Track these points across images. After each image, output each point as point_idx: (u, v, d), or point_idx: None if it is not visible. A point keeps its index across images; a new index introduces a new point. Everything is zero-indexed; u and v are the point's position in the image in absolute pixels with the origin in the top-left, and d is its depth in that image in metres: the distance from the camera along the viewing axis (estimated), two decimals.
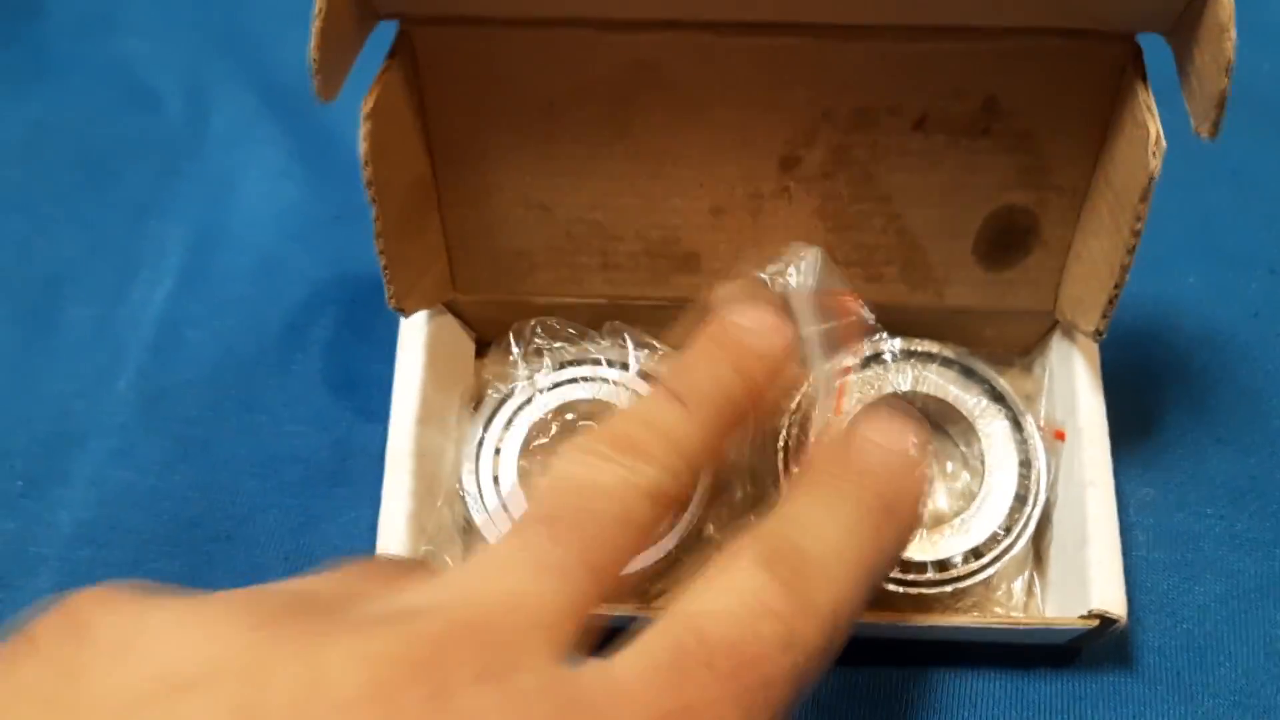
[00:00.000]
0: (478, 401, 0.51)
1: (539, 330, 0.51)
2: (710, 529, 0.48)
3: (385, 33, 0.42)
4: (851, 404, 0.49)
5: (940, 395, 0.49)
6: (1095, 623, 0.42)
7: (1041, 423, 0.49)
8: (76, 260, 0.59)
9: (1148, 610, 0.49)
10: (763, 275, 0.47)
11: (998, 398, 0.49)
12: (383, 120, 0.40)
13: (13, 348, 0.56)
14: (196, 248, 0.59)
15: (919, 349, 0.50)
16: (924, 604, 0.46)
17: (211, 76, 0.64)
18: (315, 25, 0.36)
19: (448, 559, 0.47)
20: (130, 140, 0.63)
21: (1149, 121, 0.38)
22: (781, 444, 0.48)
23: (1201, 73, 0.37)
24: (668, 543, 0.46)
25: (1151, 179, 0.38)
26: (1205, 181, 0.58)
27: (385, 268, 0.44)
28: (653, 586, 0.46)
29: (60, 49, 0.66)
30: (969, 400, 0.49)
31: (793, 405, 0.48)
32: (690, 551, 0.47)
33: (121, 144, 0.62)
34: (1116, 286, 0.42)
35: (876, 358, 0.50)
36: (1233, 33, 0.35)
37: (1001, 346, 0.52)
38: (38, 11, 0.67)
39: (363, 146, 0.40)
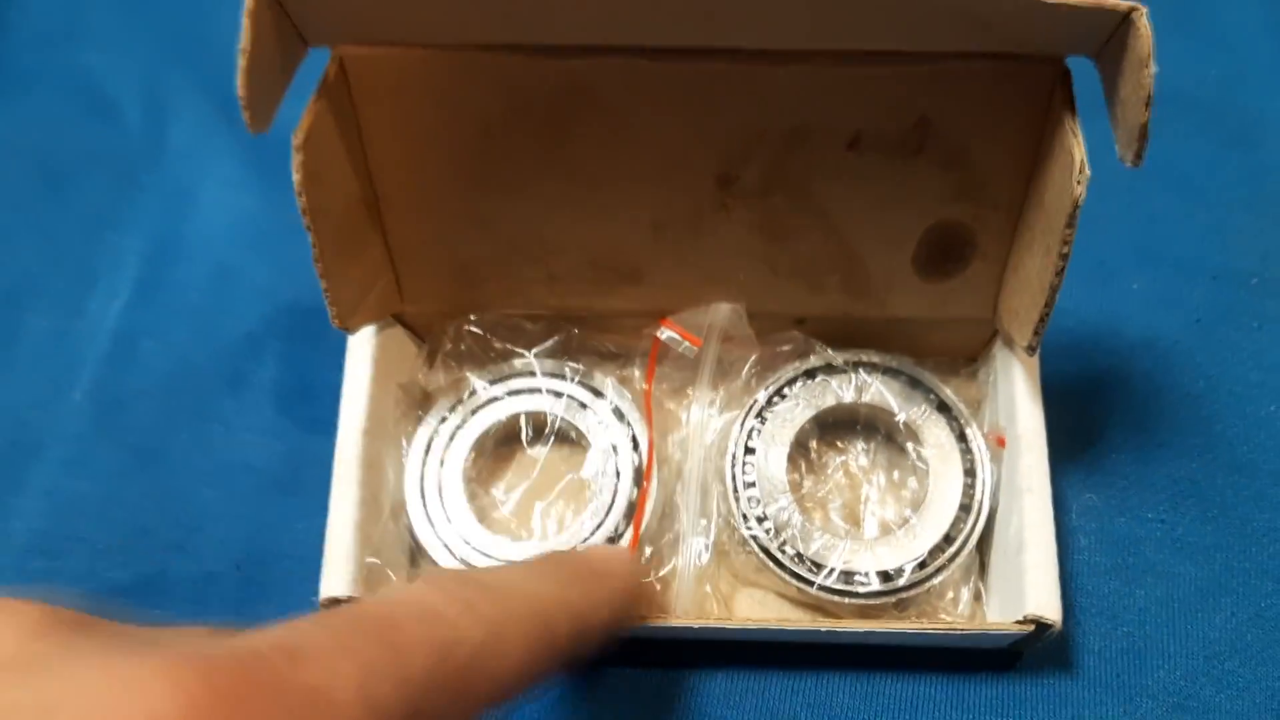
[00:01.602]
0: (425, 411, 0.51)
1: (473, 331, 0.52)
2: (656, 546, 0.49)
3: (320, 55, 0.43)
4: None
5: (885, 406, 0.50)
6: (1031, 628, 0.43)
7: (985, 429, 0.49)
8: (35, 271, 0.59)
9: (1089, 614, 0.49)
10: (665, 334, 0.50)
11: (942, 408, 0.50)
12: (315, 149, 0.41)
13: None
14: (153, 259, 0.59)
15: (864, 359, 0.51)
16: (869, 612, 0.47)
17: (170, 88, 0.65)
18: (241, 62, 0.36)
19: (391, 574, 0.47)
20: (90, 151, 0.63)
21: (1074, 148, 0.39)
22: (730, 484, 0.49)
23: (1125, 104, 0.37)
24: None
25: (1076, 205, 0.39)
26: (1150, 189, 0.59)
27: (326, 290, 0.45)
28: None
29: (21, 61, 0.66)
30: (914, 410, 0.50)
31: (729, 448, 0.49)
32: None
33: (81, 155, 0.63)
34: (1047, 305, 0.42)
35: (824, 369, 0.50)
36: (1152, 67, 0.35)
37: (948, 354, 0.53)
38: None
39: (296, 177, 0.40)
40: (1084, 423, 0.53)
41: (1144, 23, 0.35)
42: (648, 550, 0.48)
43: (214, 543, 0.51)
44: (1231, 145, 0.61)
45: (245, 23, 0.36)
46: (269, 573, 0.51)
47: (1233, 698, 0.47)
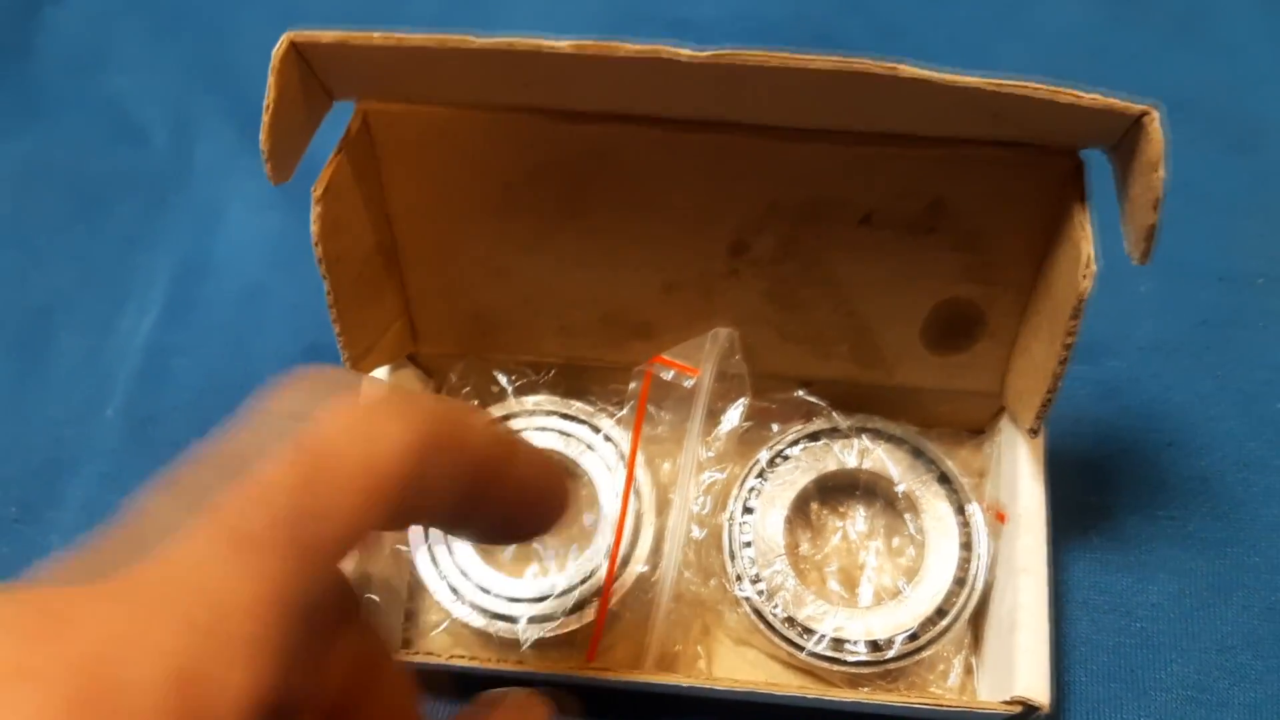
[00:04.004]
0: None
1: (482, 370, 0.53)
2: (653, 593, 0.49)
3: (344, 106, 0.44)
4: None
5: (886, 474, 0.50)
6: (1018, 709, 0.43)
7: (986, 502, 0.50)
8: (68, 291, 0.61)
9: (1102, 611, 0.50)
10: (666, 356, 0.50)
11: (944, 479, 0.50)
12: (334, 200, 0.42)
13: (7, 377, 0.58)
14: (183, 277, 0.61)
15: (870, 426, 0.51)
16: (858, 680, 0.48)
17: (197, 111, 0.67)
18: (265, 118, 0.38)
19: (391, 612, 0.48)
20: (119, 174, 0.65)
21: (1082, 242, 0.39)
22: (726, 543, 0.49)
23: (1134, 203, 0.37)
24: (614, 601, 0.48)
25: (1081, 299, 0.39)
26: None
27: (339, 334, 0.46)
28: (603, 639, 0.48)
29: (51, 87, 0.68)
30: (915, 481, 0.50)
31: (729, 506, 0.50)
32: (633, 609, 0.49)
33: (111, 178, 0.65)
34: (1050, 392, 0.43)
35: (829, 432, 0.51)
36: (1162, 171, 0.35)
37: (954, 424, 0.53)
38: (28, 51, 0.69)
39: (314, 228, 0.42)
40: (1094, 423, 0.54)
41: (1155, 127, 0.36)
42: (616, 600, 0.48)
43: None
44: (1235, 150, 0.62)
45: (270, 78, 0.38)
46: None
47: (1246, 690, 0.48)
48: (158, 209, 0.63)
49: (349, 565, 0.46)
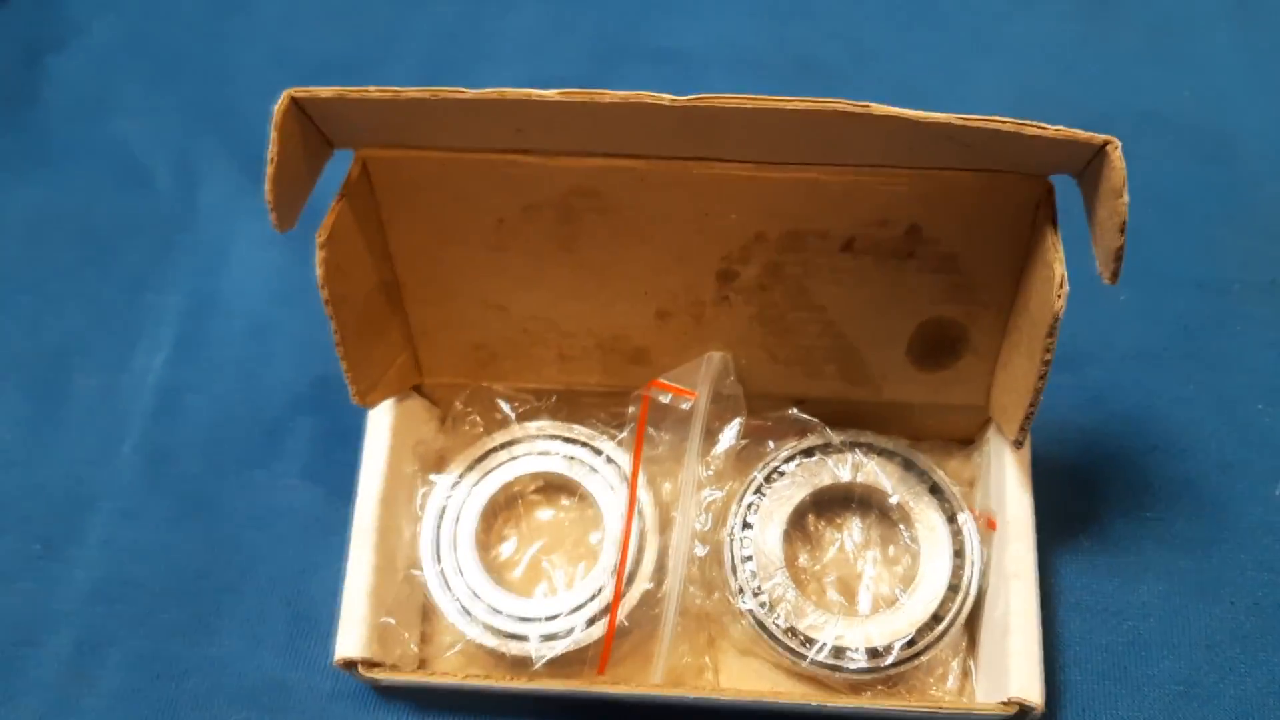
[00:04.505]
0: (438, 471, 0.54)
1: (485, 398, 0.54)
2: (659, 609, 0.50)
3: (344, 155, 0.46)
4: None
5: (879, 486, 0.52)
6: (1014, 710, 0.45)
7: (977, 510, 0.52)
8: (81, 333, 0.63)
9: (1093, 613, 0.52)
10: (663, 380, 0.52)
11: (935, 490, 0.52)
12: (337, 246, 0.44)
13: (26, 418, 0.60)
14: (191, 316, 0.63)
15: (862, 440, 0.53)
16: (859, 686, 0.49)
17: (199, 153, 0.68)
18: (269, 170, 0.40)
19: (405, 634, 0.50)
20: (126, 217, 0.67)
21: (1055, 264, 0.41)
22: (728, 557, 0.51)
23: (1102, 226, 0.39)
24: (621, 616, 0.50)
25: (1056, 318, 0.41)
26: (1132, 205, 0.60)
27: (347, 371, 0.48)
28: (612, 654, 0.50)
29: (56, 134, 0.70)
30: (907, 492, 0.52)
31: (729, 522, 0.52)
32: (640, 624, 0.51)
33: (118, 221, 0.66)
34: (1032, 405, 0.45)
35: (822, 448, 0.53)
36: (1125, 197, 0.37)
37: (943, 436, 0.55)
38: (34, 99, 0.71)
39: (319, 271, 0.44)
40: (1079, 430, 0.56)
41: (1117, 155, 0.38)
42: (623, 616, 0.50)
43: (264, 582, 0.55)
44: (1207, 161, 0.64)
45: (273, 133, 0.40)
46: (317, 608, 0.53)
47: (1235, 684, 0.50)
48: (165, 250, 0.65)
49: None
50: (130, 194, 0.67)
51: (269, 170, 0.40)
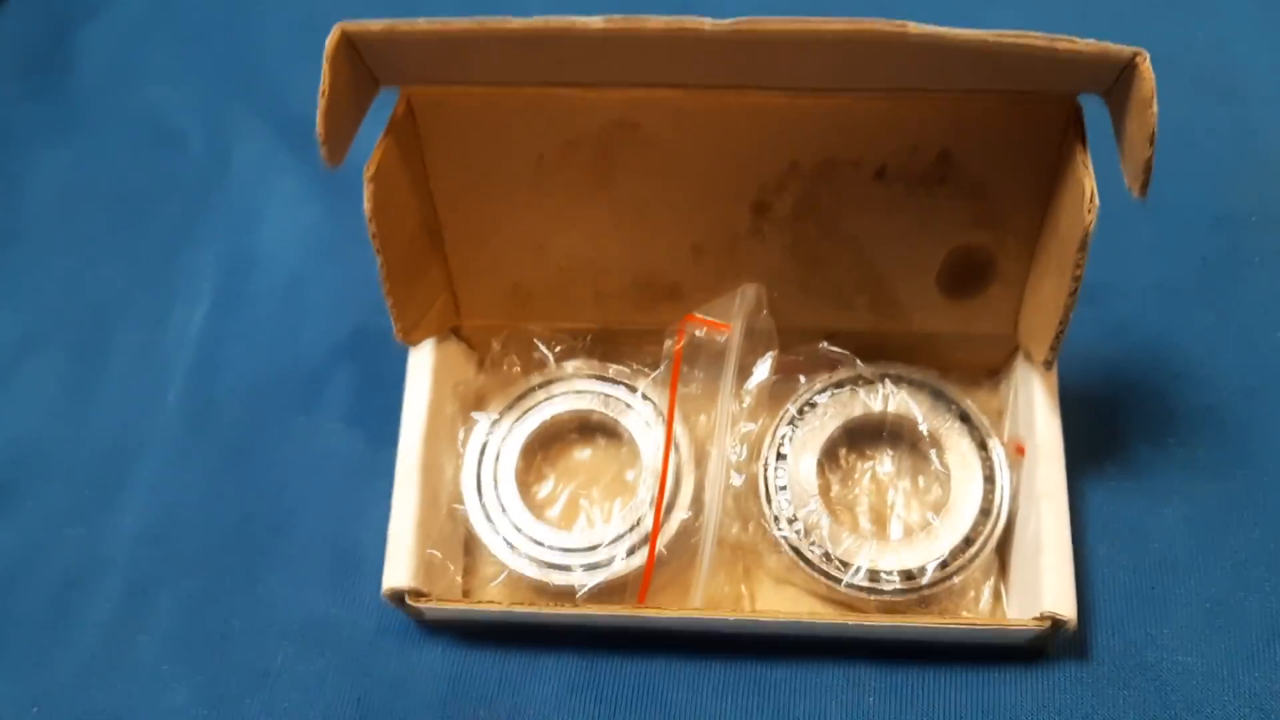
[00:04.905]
0: (478, 411, 0.55)
1: (523, 338, 0.56)
2: (697, 538, 0.51)
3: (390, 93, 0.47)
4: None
5: (910, 416, 0.53)
6: (1047, 624, 0.46)
7: (1005, 439, 0.53)
8: (120, 290, 0.64)
9: (1121, 536, 0.53)
10: (697, 314, 0.53)
11: (964, 418, 0.53)
12: (384, 181, 0.45)
13: (71, 374, 0.61)
14: (229, 271, 0.64)
15: (891, 372, 0.54)
16: (894, 609, 0.51)
17: (231, 115, 0.70)
18: (320, 103, 0.41)
19: (450, 565, 0.52)
20: (160, 178, 0.68)
21: (1085, 180, 0.42)
22: (763, 488, 0.52)
23: (1131, 140, 0.40)
24: (659, 546, 0.51)
25: (1087, 233, 0.42)
26: None
27: (392, 307, 0.49)
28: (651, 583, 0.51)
29: (90, 100, 0.71)
30: (937, 420, 0.53)
31: (763, 454, 0.53)
32: (678, 554, 0.52)
33: (153, 182, 0.68)
34: (1062, 324, 0.46)
35: (853, 380, 0.54)
36: (1155, 107, 0.38)
37: (971, 367, 0.56)
38: (67, 67, 0.72)
39: (367, 206, 0.45)
40: (1103, 361, 0.57)
41: (1146, 66, 0.39)
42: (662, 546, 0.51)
43: (310, 526, 0.56)
44: (1221, 101, 0.65)
45: (325, 67, 0.41)
46: (362, 549, 0.54)
47: (1261, 601, 0.51)
48: (200, 209, 0.66)
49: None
50: (164, 157, 0.69)
51: (321, 104, 0.41)
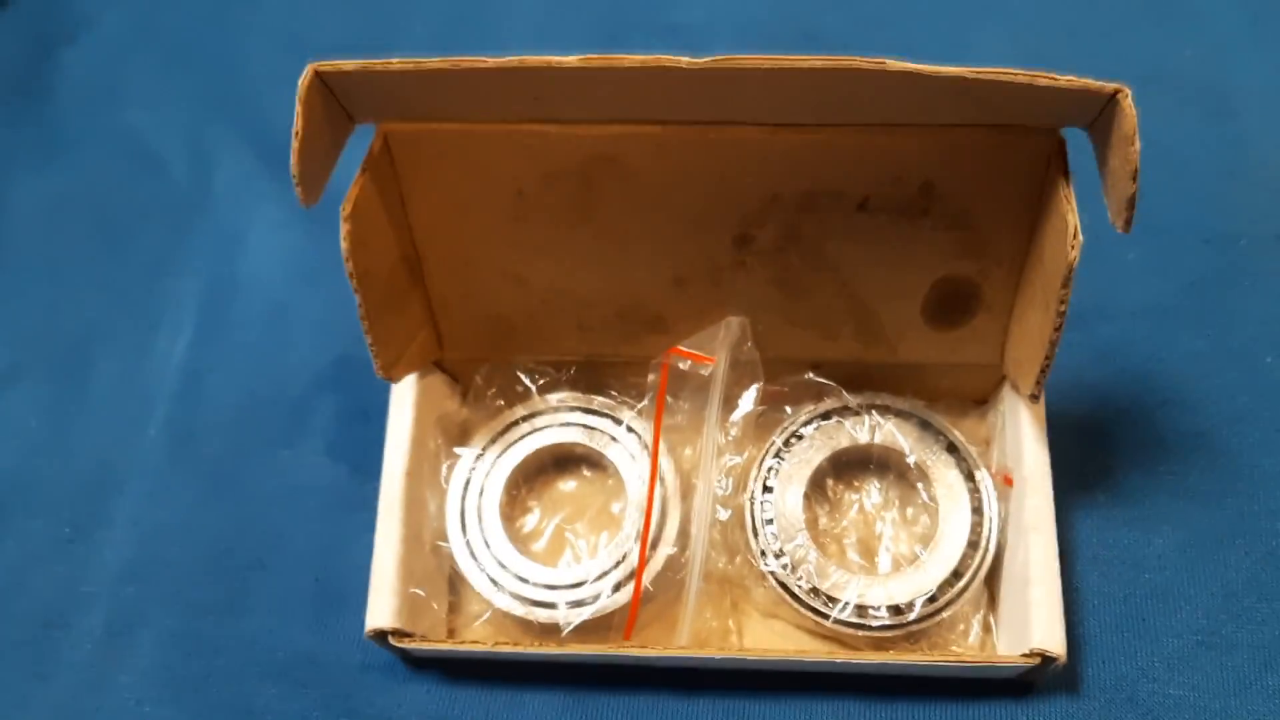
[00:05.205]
0: (462, 444, 0.55)
1: (506, 370, 0.55)
2: (683, 573, 0.51)
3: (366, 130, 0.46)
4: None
5: (897, 447, 0.53)
6: (1037, 660, 0.46)
7: (993, 469, 0.52)
8: (101, 319, 0.63)
9: (1112, 564, 0.53)
10: (682, 347, 0.52)
11: (951, 448, 0.53)
12: (361, 219, 0.45)
13: (50, 404, 0.60)
14: (211, 299, 0.63)
15: (878, 402, 0.54)
16: (882, 643, 0.50)
17: (212, 139, 0.69)
18: (295, 144, 0.40)
19: (434, 605, 0.51)
20: (141, 204, 0.67)
21: (1068, 214, 0.42)
22: (749, 521, 0.52)
23: (1114, 174, 0.40)
24: (645, 581, 0.50)
25: (1070, 268, 0.42)
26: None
27: (371, 344, 0.49)
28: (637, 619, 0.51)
29: (70, 125, 0.71)
30: (925, 451, 0.53)
31: (749, 486, 0.52)
32: (664, 589, 0.51)
33: (134, 208, 0.67)
34: (1047, 358, 0.46)
35: (839, 410, 0.54)
36: (1137, 144, 0.38)
37: (957, 396, 0.56)
38: (46, 91, 0.72)
39: (344, 245, 0.44)
40: (1090, 387, 0.57)
41: (1128, 103, 0.38)
42: (648, 581, 0.51)
43: (292, 559, 0.55)
44: (1210, 118, 0.65)
45: (298, 107, 0.41)
46: (345, 583, 0.54)
47: (1252, 632, 0.51)
48: (182, 235, 0.66)
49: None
50: (145, 182, 0.68)
51: (294, 144, 0.41)
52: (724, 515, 0.52)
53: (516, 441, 0.54)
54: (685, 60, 0.40)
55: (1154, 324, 0.58)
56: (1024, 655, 0.46)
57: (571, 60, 0.40)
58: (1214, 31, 0.68)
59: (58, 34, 0.74)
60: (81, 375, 0.61)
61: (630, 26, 0.71)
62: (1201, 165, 0.63)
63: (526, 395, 0.55)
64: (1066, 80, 0.39)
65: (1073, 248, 0.41)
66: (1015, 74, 0.39)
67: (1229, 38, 0.68)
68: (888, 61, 0.39)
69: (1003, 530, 0.51)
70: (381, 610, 0.48)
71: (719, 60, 0.40)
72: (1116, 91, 0.39)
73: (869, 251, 0.49)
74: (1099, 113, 0.40)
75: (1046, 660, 0.46)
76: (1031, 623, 0.46)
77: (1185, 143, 0.64)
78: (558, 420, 0.55)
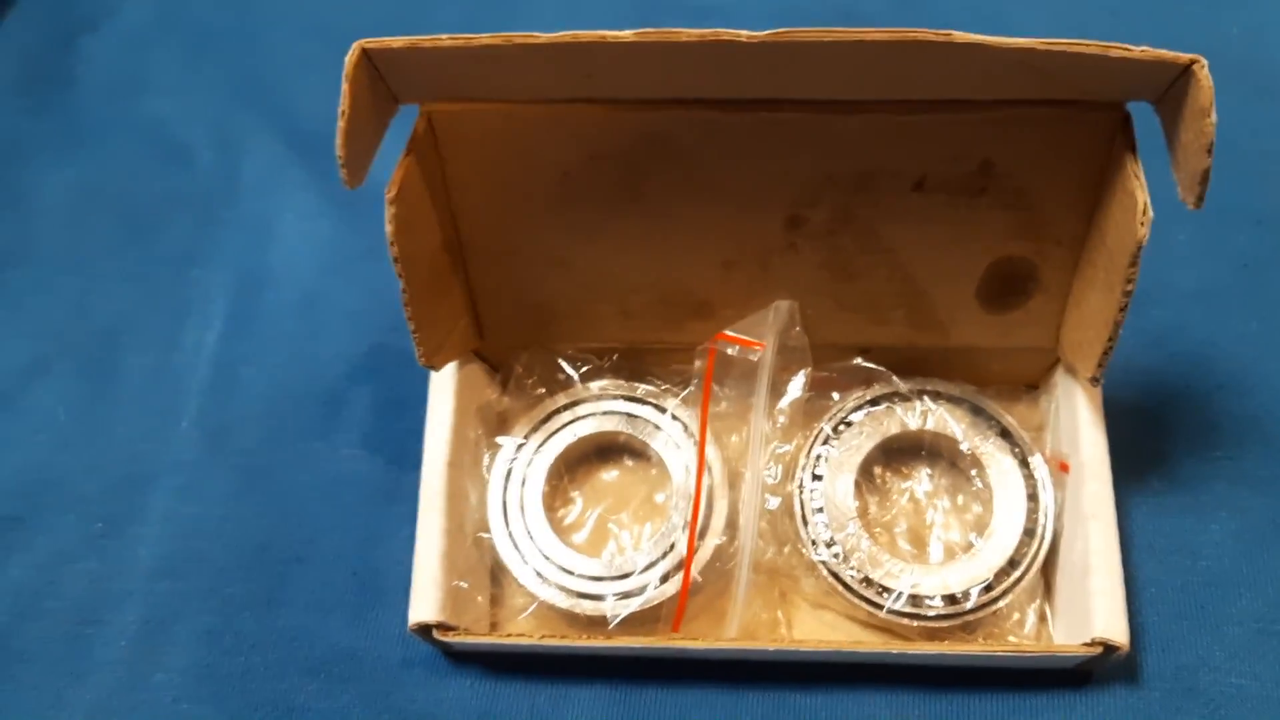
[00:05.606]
0: (502, 434, 0.54)
1: (546, 358, 0.54)
2: (732, 563, 0.50)
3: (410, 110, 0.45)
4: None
5: (949, 433, 0.51)
6: (1099, 650, 0.45)
7: (1048, 454, 0.51)
8: (129, 312, 0.62)
9: (1167, 552, 0.51)
10: (729, 332, 0.51)
11: (1005, 434, 0.51)
12: (406, 203, 0.44)
13: (80, 399, 0.59)
14: (241, 290, 0.62)
15: (929, 388, 0.53)
16: (936, 634, 0.49)
17: (239, 128, 0.68)
18: (340, 124, 0.39)
19: (479, 598, 0.50)
20: (168, 194, 0.66)
21: (1137, 191, 0.41)
22: (798, 510, 0.50)
23: (1186, 149, 0.39)
24: (694, 572, 0.49)
25: (1139, 246, 0.40)
26: None
27: (414, 331, 0.47)
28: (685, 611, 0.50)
29: (93, 114, 0.70)
30: (978, 437, 0.51)
31: (797, 475, 0.51)
32: (713, 580, 0.50)
33: (160, 199, 0.66)
34: (1110, 340, 0.44)
35: (889, 396, 0.52)
36: (1213, 116, 0.37)
37: (1009, 381, 0.54)
38: (70, 80, 0.71)
39: (389, 229, 0.43)
40: (1143, 372, 0.56)
41: (1204, 74, 0.37)
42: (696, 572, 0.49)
43: (329, 552, 0.54)
44: (1258, 98, 0.64)
45: (345, 86, 0.39)
46: (384, 577, 0.53)
47: None
48: (210, 226, 0.65)
49: None
50: (171, 171, 0.67)
51: (340, 124, 0.39)
52: (773, 504, 0.50)
53: (558, 431, 0.53)
54: (745, 34, 0.39)
55: (1206, 307, 0.57)
56: (1085, 645, 0.45)
57: (626, 34, 0.39)
58: (1260, 8, 0.67)
59: (79, 22, 0.73)
60: (110, 368, 0.60)
61: (662, 10, 0.70)
62: (1250, 145, 0.62)
63: (568, 383, 0.54)
64: (1140, 51, 0.38)
65: (1142, 224, 0.40)
66: (1087, 45, 0.38)
67: (1275, 14, 0.67)
68: (954, 33, 0.38)
69: (1058, 517, 0.50)
70: (425, 603, 0.47)
71: (779, 33, 0.38)
72: (1192, 63, 0.37)
73: (924, 232, 0.48)
74: (1169, 85, 0.39)
75: (1109, 650, 0.45)
76: (1093, 611, 0.45)
77: (1233, 122, 0.61)
78: (600, 409, 0.53)
